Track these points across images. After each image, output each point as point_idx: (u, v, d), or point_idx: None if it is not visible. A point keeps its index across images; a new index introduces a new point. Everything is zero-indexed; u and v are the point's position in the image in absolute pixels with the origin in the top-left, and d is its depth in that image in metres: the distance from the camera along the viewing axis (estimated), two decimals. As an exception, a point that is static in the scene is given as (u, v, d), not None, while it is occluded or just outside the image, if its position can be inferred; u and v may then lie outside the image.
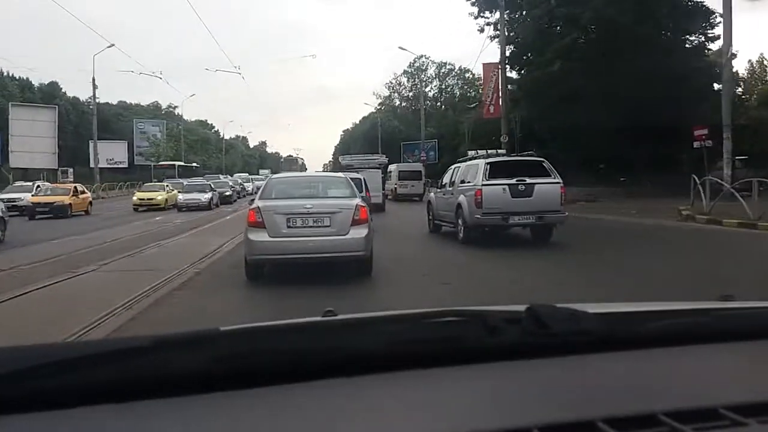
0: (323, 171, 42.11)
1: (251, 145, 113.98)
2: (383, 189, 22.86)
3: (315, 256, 6.29)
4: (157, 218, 17.94)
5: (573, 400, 0.78)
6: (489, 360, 0.88)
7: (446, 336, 0.92)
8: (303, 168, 68.07)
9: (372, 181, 20.68)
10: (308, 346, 0.87)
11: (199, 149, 74.17)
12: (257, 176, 47.51)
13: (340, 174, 9.58)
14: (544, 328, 0.91)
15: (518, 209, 10.35)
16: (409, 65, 68.52)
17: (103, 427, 0.70)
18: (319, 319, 1.04)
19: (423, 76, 66.00)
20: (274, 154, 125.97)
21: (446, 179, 12.69)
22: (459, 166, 12.42)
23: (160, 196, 24.67)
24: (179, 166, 38.62)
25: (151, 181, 29.41)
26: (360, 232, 6.47)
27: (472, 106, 50.67)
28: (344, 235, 6.47)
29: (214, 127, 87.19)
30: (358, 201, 6.59)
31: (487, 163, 10.85)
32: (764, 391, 0.78)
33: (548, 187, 10.51)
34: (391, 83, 69.82)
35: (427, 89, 68.19)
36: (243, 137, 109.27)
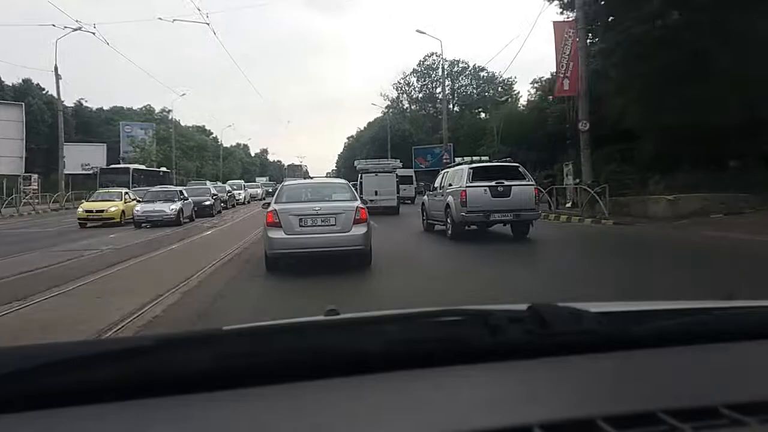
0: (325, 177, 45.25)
1: (252, 153, 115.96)
2: (398, 193, 24.53)
3: (323, 250, 7.65)
4: (84, 242, 13.60)
5: (574, 398, 0.82)
6: (490, 359, 0.90)
7: (448, 335, 0.94)
8: (306, 175, 72.56)
9: (387, 185, 24.43)
10: (309, 345, 0.89)
11: (195, 155, 71.69)
12: (253, 184, 46.11)
13: (342, 180, 11.80)
14: (546, 327, 0.93)
15: (498, 208, 11.89)
16: (419, 64, 60.46)
17: (104, 426, 0.74)
18: (320, 318, 1.07)
19: (434, 75, 57.35)
20: (276, 162, 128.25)
21: (437, 183, 14.32)
22: (448, 171, 14.09)
23: (113, 208, 19.69)
24: (135, 170, 33.18)
25: (100, 189, 24.61)
26: (360, 230, 7.82)
27: (502, 99, 42.83)
28: (347, 232, 7.82)
29: (212, 134, 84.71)
30: (358, 204, 8.10)
31: (471, 168, 12.67)
32: (764, 390, 0.81)
33: (523, 188, 12.08)
34: (399, 83, 61.26)
35: (437, 90, 64.34)
36: (244, 145, 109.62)
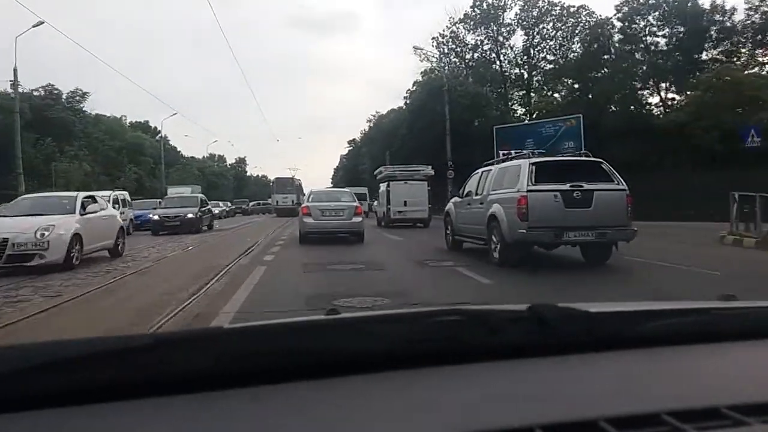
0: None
1: (229, 164, 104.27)
2: (429, 203, 23.94)
3: (335, 230, 15.69)
4: None
5: (575, 399, 0.86)
6: (490, 359, 0.97)
7: (448, 335, 0.98)
8: (300, 189, 48.86)
9: (417, 195, 22.93)
10: (309, 345, 0.95)
11: (123, 160, 48.90)
12: (147, 201, 28.25)
13: (347, 189, 20.70)
14: (546, 327, 0.99)
15: (574, 223, 8.82)
16: (474, 4, 28.48)
17: (104, 426, 0.79)
18: (320, 318, 1.15)
19: (503, 18, 24.75)
20: (260, 177, 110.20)
21: (470, 186, 12.01)
22: (490, 170, 11.27)
23: None
24: None
25: None
26: (358, 219, 15.83)
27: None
28: (350, 220, 15.67)
29: (159, 132, 62.41)
30: (356, 203, 16.50)
31: (533, 164, 9.40)
32: (765, 391, 0.87)
33: (611, 195, 9.06)
34: (443, 35, 29.74)
35: (509, 43, 41.27)
36: (219, 156, 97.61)
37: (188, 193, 34.10)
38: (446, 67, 41.35)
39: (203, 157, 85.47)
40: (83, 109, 56.19)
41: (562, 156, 11.61)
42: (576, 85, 35.94)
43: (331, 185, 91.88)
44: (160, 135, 65.41)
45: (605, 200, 8.66)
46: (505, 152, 14.89)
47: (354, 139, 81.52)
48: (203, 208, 24.86)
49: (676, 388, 0.88)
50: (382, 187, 24.84)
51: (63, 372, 0.82)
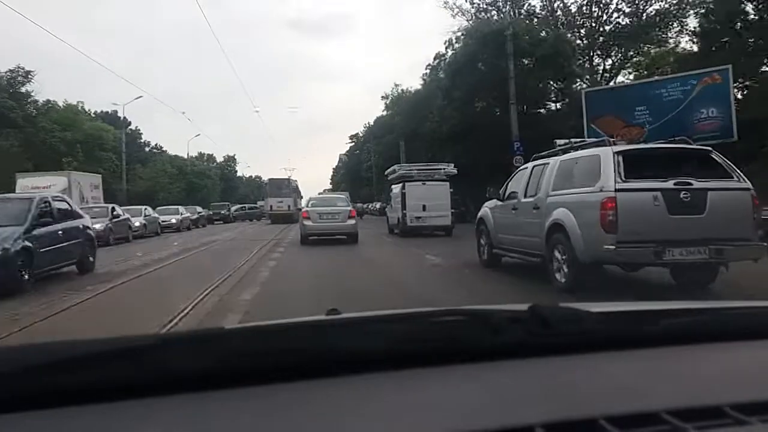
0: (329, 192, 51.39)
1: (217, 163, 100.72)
2: (452, 208, 22.29)
3: (331, 231, 20.11)
4: None
5: (575, 398, 0.91)
6: (491, 359, 1.02)
7: (449, 335, 1.04)
8: (297, 191, 42.93)
9: (438, 198, 20.39)
10: (311, 345, 0.99)
11: (77, 154, 41.70)
12: None
13: (343, 195, 25.29)
14: (547, 327, 1.02)
15: (681, 235, 6.81)
16: None
17: (104, 426, 0.83)
18: (321, 318, 1.20)
19: None
20: (253, 179, 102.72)
21: (515, 186, 10.14)
22: (546, 163, 9.10)
23: None
24: None
25: None
26: (352, 222, 20.32)
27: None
28: (344, 222, 20.27)
29: (130, 124, 60.01)
30: (350, 207, 21.92)
31: (619, 153, 7.29)
32: (765, 390, 0.90)
33: (731, 196, 7.05)
34: None
35: None
36: (209, 155, 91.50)
37: (58, 186, 20.48)
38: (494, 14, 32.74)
39: (189, 155, 77.20)
40: (31, 93, 47.36)
41: (656, 144, 8.13)
42: (710, 28, 23.75)
43: (330, 187, 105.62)
44: (129, 126, 57.73)
45: (723, 203, 6.50)
46: (563, 142, 9.86)
47: (356, 134, 77.26)
48: (42, 228, 10.02)
49: (677, 387, 0.90)
50: (395, 189, 22.42)
51: (64, 372, 0.84)
